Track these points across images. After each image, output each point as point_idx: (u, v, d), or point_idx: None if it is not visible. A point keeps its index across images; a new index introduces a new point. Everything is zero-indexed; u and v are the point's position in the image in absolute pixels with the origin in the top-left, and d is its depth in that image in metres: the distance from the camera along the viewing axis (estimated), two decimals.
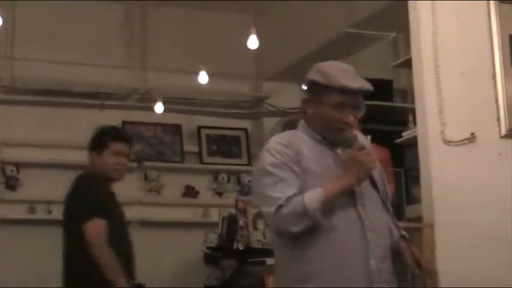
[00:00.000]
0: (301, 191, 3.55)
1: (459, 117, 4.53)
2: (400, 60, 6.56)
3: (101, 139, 5.83)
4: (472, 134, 4.59)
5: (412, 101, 5.41)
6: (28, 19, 8.14)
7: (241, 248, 6.62)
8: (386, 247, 3.65)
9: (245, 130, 9.08)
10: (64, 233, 5.59)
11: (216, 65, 8.15)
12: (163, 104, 8.38)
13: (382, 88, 8.09)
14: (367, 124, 4.99)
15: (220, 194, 8.72)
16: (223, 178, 8.76)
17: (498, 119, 4.95)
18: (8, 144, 8.15)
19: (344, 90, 3.59)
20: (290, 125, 8.45)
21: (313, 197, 3.51)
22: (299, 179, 3.59)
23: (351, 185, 3.58)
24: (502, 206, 4.27)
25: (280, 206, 3.53)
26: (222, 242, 6.88)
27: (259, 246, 6.54)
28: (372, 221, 3.60)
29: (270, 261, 6.05)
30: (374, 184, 3.64)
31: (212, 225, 7.50)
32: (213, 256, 7.66)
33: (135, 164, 8.31)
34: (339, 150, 3.69)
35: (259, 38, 7.32)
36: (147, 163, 8.49)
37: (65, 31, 8.33)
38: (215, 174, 8.79)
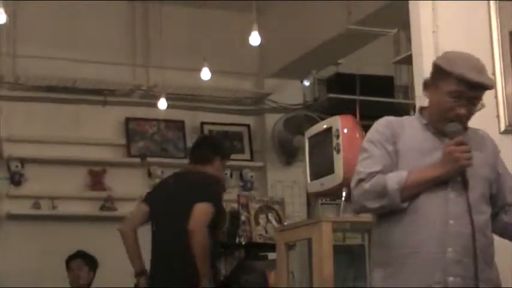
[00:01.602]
0: (387, 170, 3.58)
1: None
2: (401, 57, 6.56)
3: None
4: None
5: (413, 98, 5.42)
6: (31, 17, 8.17)
7: (243, 243, 6.62)
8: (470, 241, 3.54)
9: (247, 126, 9.08)
10: None
11: (218, 61, 8.18)
12: (166, 100, 8.37)
13: (384, 84, 8.12)
14: (368, 120, 5.01)
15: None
16: (225, 173, 8.75)
17: (498, 116, 4.96)
18: (12, 140, 8.16)
19: (462, 80, 3.56)
20: (292, 121, 8.54)
21: (395, 178, 3.54)
22: (390, 158, 3.63)
23: (437, 178, 3.56)
24: None
25: (361, 180, 3.60)
26: (224, 237, 6.87)
27: (261, 241, 6.54)
28: (456, 215, 3.56)
29: (271, 255, 6.07)
30: (465, 183, 3.57)
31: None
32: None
33: (138, 161, 8.36)
34: (446, 140, 3.63)
35: (261, 35, 7.34)
36: (150, 159, 8.49)
37: (68, 28, 8.37)
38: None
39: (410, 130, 3.71)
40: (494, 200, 3.72)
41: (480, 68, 3.64)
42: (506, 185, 3.77)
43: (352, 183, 3.66)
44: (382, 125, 3.74)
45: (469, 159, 3.55)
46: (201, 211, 5.75)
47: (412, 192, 3.57)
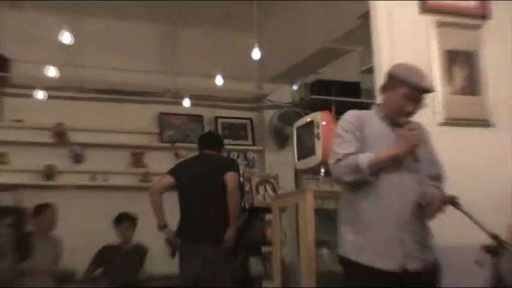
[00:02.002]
0: (358, 152, 3.61)
1: None
2: (366, 67, 6.59)
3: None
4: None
5: (375, 98, 5.44)
6: (89, 35, 8.16)
7: (247, 207, 6.65)
8: (419, 212, 3.64)
9: (250, 119, 9.10)
10: None
11: (228, 70, 8.20)
12: (189, 100, 8.46)
13: (353, 88, 8.12)
14: (341, 116, 5.03)
15: None
16: (234, 155, 8.78)
17: (434, 112, 5.00)
18: (75, 130, 8.20)
19: (415, 87, 3.65)
20: (284, 116, 8.55)
21: (364, 157, 3.58)
22: (358, 143, 3.65)
23: (397, 156, 3.61)
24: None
25: (339, 160, 3.63)
26: None
27: (261, 205, 6.56)
28: (409, 186, 3.64)
29: (268, 216, 6.09)
30: (416, 158, 3.65)
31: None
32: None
33: (168, 145, 8.39)
34: (397, 130, 3.72)
35: (260, 50, 7.36)
36: (177, 144, 8.54)
37: (117, 45, 8.36)
38: (227, 152, 8.76)
39: (371, 121, 3.76)
40: None
41: (425, 77, 3.75)
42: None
43: (331, 162, 3.70)
44: (351, 116, 3.78)
45: (419, 140, 3.64)
46: (233, 178, 5.95)
47: (378, 168, 3.60)
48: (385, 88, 3.80)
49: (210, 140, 6.45)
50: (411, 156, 3.65)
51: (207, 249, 5.82)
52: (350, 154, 3.62)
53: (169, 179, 6.15)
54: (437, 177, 3.80)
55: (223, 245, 5.86)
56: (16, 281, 6.85)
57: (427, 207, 3.62)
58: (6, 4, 7.88)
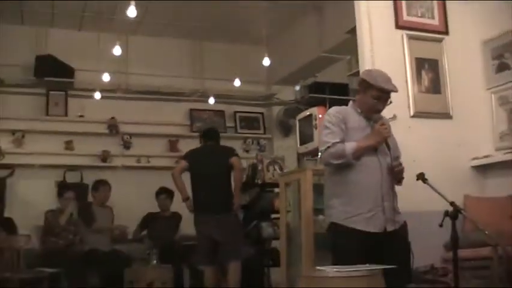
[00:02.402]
0: (343, 141, 3.61)
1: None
2: (352, 72, 6.56)
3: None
4: (394, 114, 4.59)
5: None
6: (136, 50, 8.20)
7: (259, 182, 6.65)
8: (392, 185, 3.67)
9: (261, 113, 9.07)
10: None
11: (244, 75, 8.23)
12: (214, 98, 8.46)
13: (342, 88, 8.08)
14: None
15: (247, 151, 8.72)
16: (249, 142, 8.78)
17: (408, 106, 4.99)
18: (125, 123, 8.22)
19: (381, 90, 3.63)
20: (288, 110, 8.54)
21: (349, 146, 3.59)
22: (343, 133, 3.64)
23: (373, 145, 3.63)
24: (412, 159, 4.27)
25: (328, 147, 3.61)
26: (248, 179, 6.90)
27: (270, 181, 6.56)
28: (384, 166, 3.64)
29: (276, 190, 6.10)
30: (388, 145, 3.67)
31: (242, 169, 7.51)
32: (243, 187, 7.68)
33: (197, 134, 8.37)
34: (371, 123, 3.72)
35: (269, 59, 7.35)
36: None
37: (157, 56, 8.37)
38: (244, 139, 8.81)
39: (351, 115, 3.74)
40: None
41: (389, 80, 3.70)
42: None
43: (322, 149, 3.68)
44: (336, 111, 3.74)
45: (389, 132, 3.67)
46: (238, 160, 6.05)
47: (360, 154, 3.61)
48: (358, 91, 3.77)
49: (211, 134, 6.41)
50: (383, 144, 3.67)
51: (219, 216, 5.88)
52: (337, 143, 3.60)
53: (184, 163, 6.15)
54: (398, 158, 3.81)
55: (234, 211, 6.03)
56: (82, 241, 6.91)
57: (396, 179, 3.69)
58: (70, 25, 7.93)
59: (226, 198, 5.95)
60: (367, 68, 4.77)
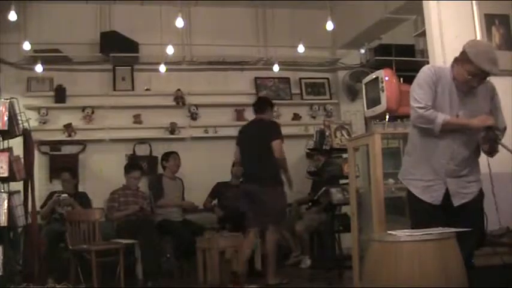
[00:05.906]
0: (434, 103, 3.54)
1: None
2: (418, 32, 6.42)
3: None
4: None
5: (427, 56, 5.33)
6: (199, 21, 8.26)
7: (327, 148, 6.63)
8: (467, 160, 3.62)
9: (327, 79, 8.95)
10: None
11: (309, 40, 8.13)
12: (278, 65, 8.41)
13: (408, 49, 7.95)
14: (400, 72, 4.95)
15: (314, 117, 8.68)
16: (315, 108, 8.73)
17: None
18: (191, 94, 8.29)
19: (477, 68, 3.48)
20: (354, 74, 8.46)
21: (441, 116, 3.51)
22: (434, 96, 3.55)
23: (469, 127, 3.53)
24: None
25: (422, 108, 3.53)
26: (316, 145, 6.89)
27: (338, 147, 6.53)
28: (460, 141, 3.60)
29: (345, 155, 6.08)
30: (494, 133, 3.53)
31: (310, 136, 7.50)
32: (311, 154, 7.69)
33: None
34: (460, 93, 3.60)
35: (333, 22, 7.26)
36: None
37: (220, 26, 8.40)
38: (310, 105, 8.75)
39: (444, 79, 3.62)
40: None
41: (494, 60, 3.51)
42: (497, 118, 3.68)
43: (414, 105, 3.58)
44: (433, 72, 3.63)
45: (491, 121, 3.51)
46: (279, 146, 6.14)
47: (449, 129, 3.54)
48: (456, 60, 3.62)
49: (258, 106, 6.51)
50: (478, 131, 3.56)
51: (263, 189, 6.04)
52: (430, 106, 3.53)
53: (237, 151, 6.44)
54: (504, 130, 3.71)
55: (285, 183, 6.28)
56: (154, 213, 7.11)
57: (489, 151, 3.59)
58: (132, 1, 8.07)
59: (269, 172, 6.10)
60: (433, 27, 4.69)
